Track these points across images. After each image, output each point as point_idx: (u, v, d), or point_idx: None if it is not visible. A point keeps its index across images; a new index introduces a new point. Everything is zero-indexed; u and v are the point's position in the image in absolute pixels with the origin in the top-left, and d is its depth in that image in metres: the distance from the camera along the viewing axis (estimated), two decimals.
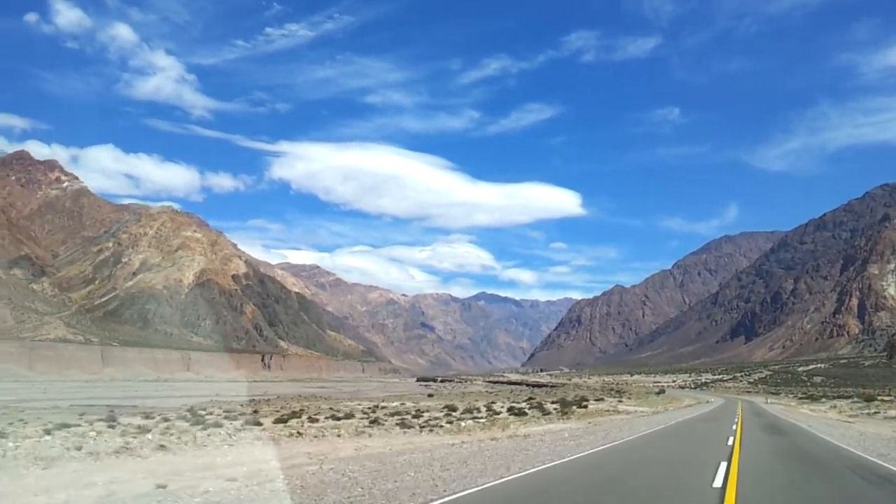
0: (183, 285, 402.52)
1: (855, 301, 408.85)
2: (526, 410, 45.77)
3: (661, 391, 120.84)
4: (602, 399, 77.32)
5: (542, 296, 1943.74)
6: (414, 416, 39.01)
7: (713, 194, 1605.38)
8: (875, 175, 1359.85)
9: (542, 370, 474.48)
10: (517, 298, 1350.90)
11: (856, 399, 78.88)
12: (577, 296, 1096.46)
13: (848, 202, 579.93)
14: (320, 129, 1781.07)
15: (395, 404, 60.95)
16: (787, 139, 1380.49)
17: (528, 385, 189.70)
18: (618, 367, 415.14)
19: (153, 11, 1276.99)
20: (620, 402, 70.87)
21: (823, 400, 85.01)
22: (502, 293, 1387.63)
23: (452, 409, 48.19)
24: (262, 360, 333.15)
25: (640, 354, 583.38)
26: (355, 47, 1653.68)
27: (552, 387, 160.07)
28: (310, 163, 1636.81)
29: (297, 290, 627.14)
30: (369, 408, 52.65)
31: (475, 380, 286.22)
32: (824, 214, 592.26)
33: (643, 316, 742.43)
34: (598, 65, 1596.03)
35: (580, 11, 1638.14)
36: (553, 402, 58.71)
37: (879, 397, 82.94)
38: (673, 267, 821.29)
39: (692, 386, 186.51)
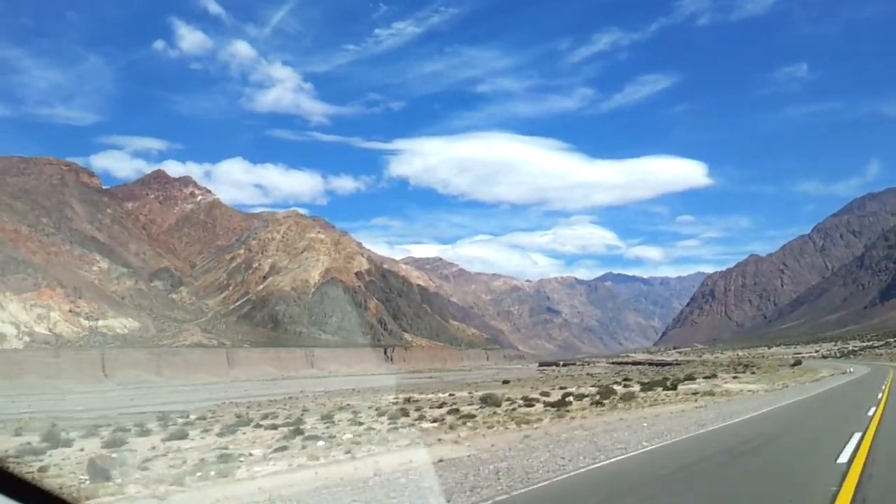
0: (309, 285, 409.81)
1: None
2: (599, 400, 35.66)
3: (798, 363, 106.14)
4: (714, 376, 65.46)
5: (671, 272, 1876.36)
6: (419, 415, 29.92)
7: (851, 151, 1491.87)
8: None
9: (674, 348, 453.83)
10: (645, 276, 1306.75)
11: None
12: (708, 269, 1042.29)
13: None
14: (433, 123, 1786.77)
15: (460, 394, 52.17)
16: None
17: (651, 364, 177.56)
18: (756, 341, 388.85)
19: (267, 25, 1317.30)
20: (736, 378, 59.25)
21: None
22: (629, 272, 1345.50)
23: (492, 401, 38.60)
24: (385, 352, 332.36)
25: (780, 326, 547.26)
26: (462, 38, 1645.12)
27: (675, 364, 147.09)
28: (425, 158, 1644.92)
29: (420, 283, 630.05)
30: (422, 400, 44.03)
31: (599, 362, 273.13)
32: None
33: (781, 285, 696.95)
34: (715, 27, 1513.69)
35: None
36: (644, 384, 48.16)
37: None
38: (812, 231, 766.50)
39: (837, 355, 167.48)
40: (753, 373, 74.89)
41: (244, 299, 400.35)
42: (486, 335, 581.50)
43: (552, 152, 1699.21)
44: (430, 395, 55.86)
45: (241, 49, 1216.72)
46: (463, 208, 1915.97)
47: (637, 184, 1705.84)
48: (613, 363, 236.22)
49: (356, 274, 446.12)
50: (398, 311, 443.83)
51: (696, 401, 32.59)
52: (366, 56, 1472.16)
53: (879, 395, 33.31)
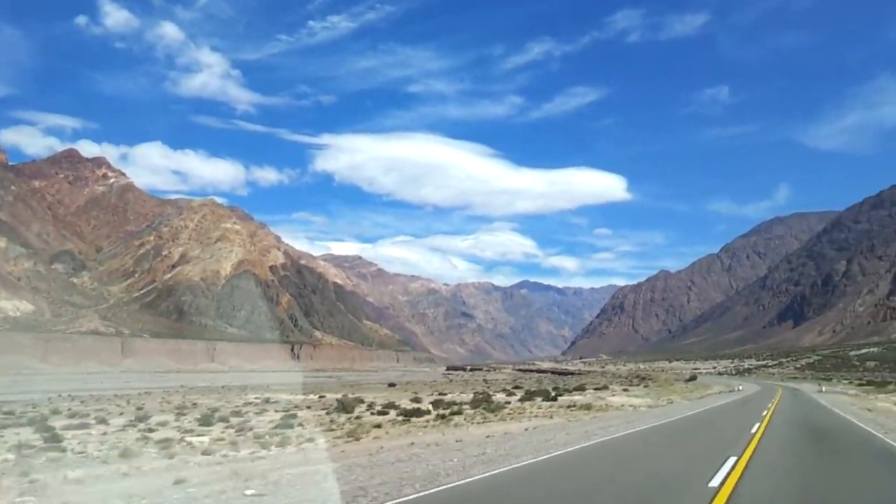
0: (220, 276, 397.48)
1: None
2: (462, 410, 31.75)
3: (693, 378, 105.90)
4: (605, 388, 63.05)
5: (585, 283, 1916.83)
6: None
7: (763, 175, 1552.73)
8: None
9: (581, 358, 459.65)
10: (560, 286, 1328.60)
11: None
12: (621, 282, 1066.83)
13: None
14: (363, 120, 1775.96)
15: (330, 396, 47.66)
16: (842, 116, 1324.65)
17: (554, 373, 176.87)
18: (659, 355, 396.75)
19: (198, 9, 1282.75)
20: (627, 391, 56.84)
21: (893, 386, 68.92)
22: (545, 281, 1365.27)
23: (345, 407, 34.34)
24: (292, 349, 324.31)
25: (684, 341, 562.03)
26: (397, 37, 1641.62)
27: (576, 374, 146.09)
28: (353, 154, 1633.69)
29: (336, 281, 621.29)
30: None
31: (505, 368, 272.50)
32: (881, 192, 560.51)
33: (688, 302, 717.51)
34: (644, 45, 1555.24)
35: None
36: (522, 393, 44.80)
37: None
38: (720, 251, 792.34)
39: (732, 372, 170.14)
40: (647, 386, 73.14)
41: (149, 287, 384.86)
42: (399, 337, 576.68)
43: (479, 157, 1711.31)
44: (297, 397, 51.49)
45: (169, 31, 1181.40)
46: (387, 208, 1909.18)
47: (559, 194, 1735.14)
48: (519, 370, 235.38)
49: (270, 268, 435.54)
50: (311, 307, 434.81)
51: (568, 414, 29.27)
52: (298, 47, 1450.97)
53: (764, 413, 31.88)
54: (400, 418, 27.51)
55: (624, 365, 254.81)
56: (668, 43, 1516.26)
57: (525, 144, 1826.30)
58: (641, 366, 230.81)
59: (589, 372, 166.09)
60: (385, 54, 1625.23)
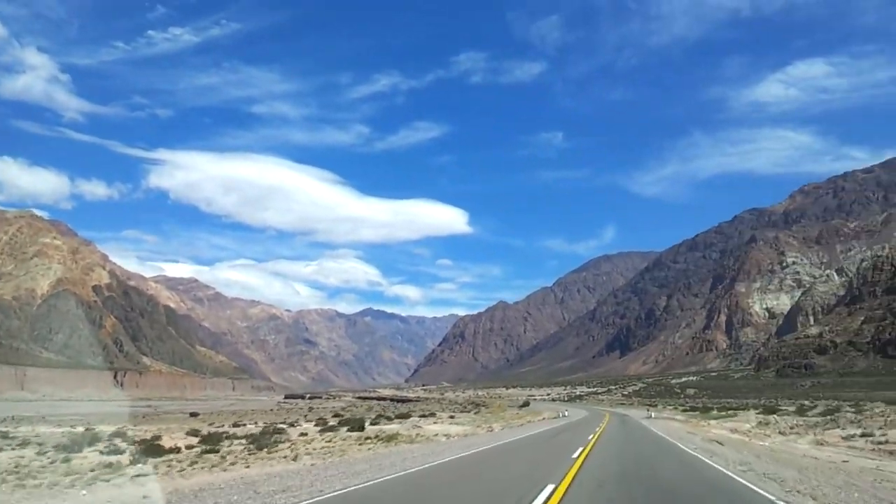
0: (36, 296, 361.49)
1: (723, 317, 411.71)
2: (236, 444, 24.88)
3: (526, 404, 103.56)
4: (433, 414, 57.85)
5: (427, 312, 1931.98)
6: None
7: (593, 216, 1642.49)
8: (742, 200, 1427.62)
9: (423, 385, 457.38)
10: (403, 314, 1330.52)
11: (759, 410, 62.63)
12: (461, 312, 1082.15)
13: (718, 225, 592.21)
14: (202, 137, 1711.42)
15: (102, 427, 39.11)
16: (662, 166, 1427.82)
17: (393, 400, 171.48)
18: (498, 382, 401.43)
19: (24, 4, 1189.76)
20: (453, 417, 51.86)
21: (715, 412, 68.20)
22: (388, 309, 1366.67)
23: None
24: (115, 377, 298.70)
25: (521, 369, 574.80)
26: (242, 55, 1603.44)
27: (414, 401, 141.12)
28: (189, 172, 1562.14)
29: (169, 304, 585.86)
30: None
31: (345, 396, 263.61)
32: (696, 236, 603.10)
33: (524, 332, 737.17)
34: (486, 87, 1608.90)
35: (470, 33, 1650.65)
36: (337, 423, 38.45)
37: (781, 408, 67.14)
38: (554, 284, 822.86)
39: (565, 399, 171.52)
40: (478, 412, 68.67)
41: None
42: (237, 364, 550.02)
43: (324, 183, 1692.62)
44: (61, 429, 42.53)
45: None
46: (226, 230, 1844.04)
47: (403, 224, 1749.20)
48: (358, 398, 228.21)
49: (94, 287, 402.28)
50: (139, 331, 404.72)
51: (363, 448, 23.34)
52: (136, 56, 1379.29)
53: (590, 437, 30.32)
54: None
55: (463, 392, 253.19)
56: (508, 87, 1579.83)
57: (370, 174, 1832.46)
58: (480, 392, 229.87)
59: (427, 399, 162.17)
60: (228, 72, 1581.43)
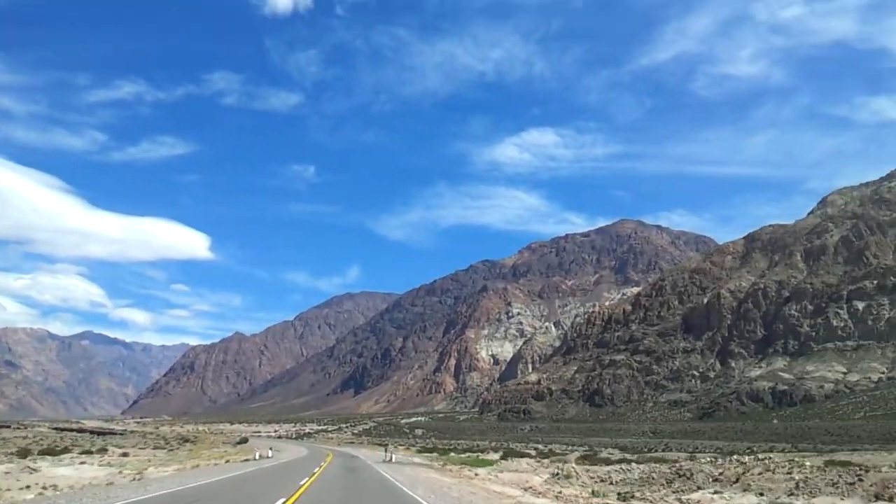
0: None
1: (453, 361, 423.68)
2: None
3: (244, 440, 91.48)
4: (105, 450, 45.08)
5: (156, 339, 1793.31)
6: None
7: (339, 253, 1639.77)
8: (477, 251, 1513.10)
9: (142, 418, 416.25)
10: (128, 340, 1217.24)
11: (501, 455, 56.91)
12: (194, 341, 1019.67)
13: (455, 272, 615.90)
14: None
15: None
16: (408, 211, 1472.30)
17: (93, 432, 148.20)
18: (226, 417, 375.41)
19: None
20: (126, 456, 39.93)
21: (454, 454, 61.79)
22: (111, 333, 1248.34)
23: None
24: None
25: (252, 404, 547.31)
26: None
27: (118, 435, 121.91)
28: None
29: None
30: None
31: (41, 426, 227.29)
32: (434, 281, 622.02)
33: (259, 366, 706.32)
34: (240, 110, 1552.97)
35: (226, 52, 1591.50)
36: None
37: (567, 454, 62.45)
38: (295, 319, 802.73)
39: (293, 436, 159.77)
40: (175, 449, 56.20)
41: None
42: None
43: (49, 190, 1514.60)
44: None
45: None
46: None
47: (137, 243, 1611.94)
48: (55, 428, 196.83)
49: None
50: None
51: None
52: None
53: (303, 481, 25.51)
54: None
55: (182, 426, 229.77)
56: (263, 113, 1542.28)
57: (104, 185, 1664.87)
58: (201, 427, 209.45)
59: (133, 432, 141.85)
60: None
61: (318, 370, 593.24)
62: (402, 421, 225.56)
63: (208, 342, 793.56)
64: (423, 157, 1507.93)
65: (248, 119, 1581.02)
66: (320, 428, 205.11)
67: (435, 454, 62.62)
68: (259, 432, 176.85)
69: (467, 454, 62.53)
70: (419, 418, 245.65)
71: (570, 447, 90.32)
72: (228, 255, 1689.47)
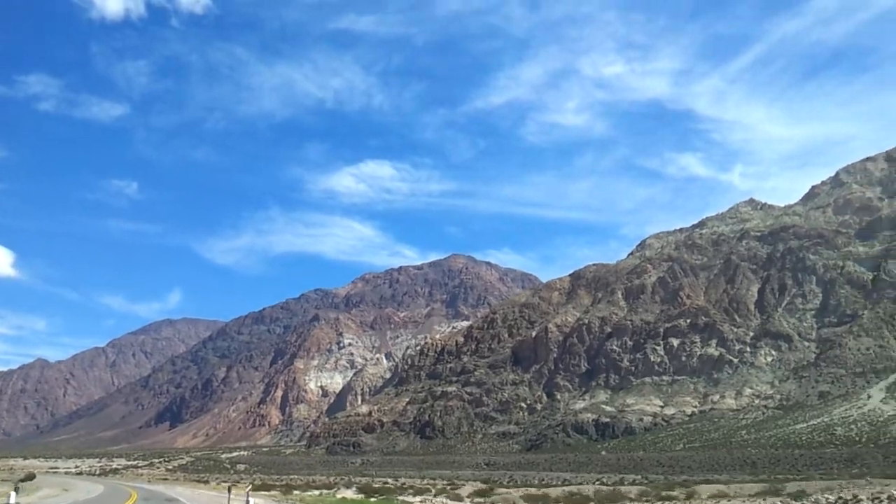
0: None
1: (280, 393, 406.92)
2: None
3: (31, 477, 77.79)
4: None
5: None
6: None
7: (160, 277, 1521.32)
8: (310, 280, 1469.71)
9: None
10: None
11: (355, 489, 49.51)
12: None
13: (285, 300, 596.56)
14: None
15: None
16: (238, 235, 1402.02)
17: None
18: (23, 451, 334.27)
19: None
20: None
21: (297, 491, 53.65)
22: None
23: None
24: None
25: (54, 437, 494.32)
26: None
27: None
28: None
29: None
30: None
31: None
32: (263, 309, 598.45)
33: (64, 395, 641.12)
34: (58, 117, 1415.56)
35: (45, 54, 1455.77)
36: None
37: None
38: (107, 345, 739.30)
39: (97, 472, 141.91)
40: None
41: None
42: None
43: None
44: None
45: None
46: None
47: None
48: None
49: None
50: None
51: None
52: None
53: None
54: None
55: None
56: (83, 122, 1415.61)
57: None
58: None
59: None
60: None
61: (131, 401, 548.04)
62: (223, 455, 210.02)
63: (5, 368, 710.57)
64: (257, 179, 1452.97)
65: (65, 127, 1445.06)
66: (130, 463, 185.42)
67: (275, 492, 54.20)
68: (57, 468, 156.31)
69: (321, 492, 54.86)
70: (242, 453, 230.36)
71: (438, 479, 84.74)
72: (36, 274, 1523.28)
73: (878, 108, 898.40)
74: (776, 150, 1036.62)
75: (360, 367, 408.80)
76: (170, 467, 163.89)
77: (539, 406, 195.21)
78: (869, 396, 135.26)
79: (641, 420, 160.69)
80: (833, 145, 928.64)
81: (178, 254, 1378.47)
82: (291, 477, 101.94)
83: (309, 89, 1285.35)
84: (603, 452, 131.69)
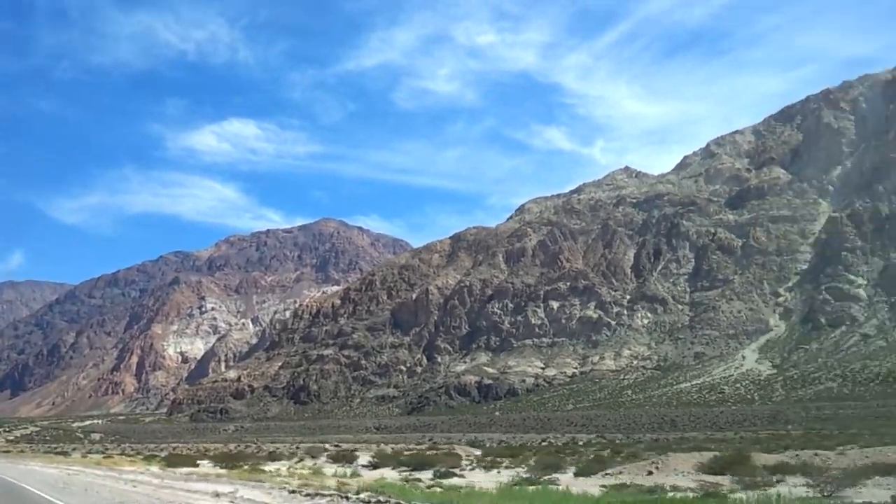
0: None
1: (135, 359, 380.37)
2: None
3: None
4: None
5: None
6: None
7: (0, 236, 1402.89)
8: (169, 242, 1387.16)
9: None
10: None
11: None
12: None
13: (142, 263, 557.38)
14: None
15: None
16: (87, 194, 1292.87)
17: None
18: None
19: None
20: None
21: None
22: None
23: None
24: None
25: None
26: None
27: None
28: None
29: None
30: None
31: None
32: (117, 272, 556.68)
33: None
34: None
35: None
36: None
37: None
38: None
39: None
40: None
41: None
42: None
43: None
44: None
45: None
46: None
47: None
48: None
49: None
50: None
51: None
52: None
53: None
54: None
55: None
56: None
57: None
58: None
59: None
60: None
61: None
62: (74, 424, 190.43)
63: None
64: (110, 134, 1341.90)
65: None
66: None
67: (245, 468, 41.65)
68: None
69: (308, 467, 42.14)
70: (95, 421, 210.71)
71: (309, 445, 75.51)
72: None
73: (729, 92, 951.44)
74: (637, 127, 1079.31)
75: (223, 332, 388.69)
76: (10, 438, 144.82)
77: (419, 369, 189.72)
78: (744, 357, 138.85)
79: (524, 381, 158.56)
80: (688, 125, 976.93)
81: (20, 211, 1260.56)
82: (173, 446, 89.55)
83: (169, 40, 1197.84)
84: (497, 413, 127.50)
